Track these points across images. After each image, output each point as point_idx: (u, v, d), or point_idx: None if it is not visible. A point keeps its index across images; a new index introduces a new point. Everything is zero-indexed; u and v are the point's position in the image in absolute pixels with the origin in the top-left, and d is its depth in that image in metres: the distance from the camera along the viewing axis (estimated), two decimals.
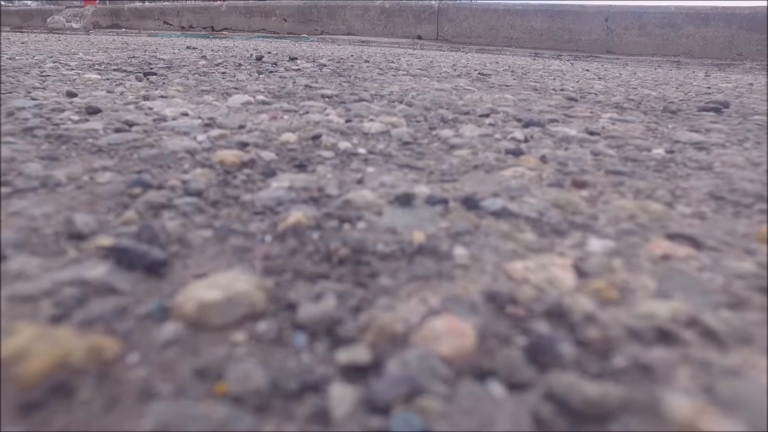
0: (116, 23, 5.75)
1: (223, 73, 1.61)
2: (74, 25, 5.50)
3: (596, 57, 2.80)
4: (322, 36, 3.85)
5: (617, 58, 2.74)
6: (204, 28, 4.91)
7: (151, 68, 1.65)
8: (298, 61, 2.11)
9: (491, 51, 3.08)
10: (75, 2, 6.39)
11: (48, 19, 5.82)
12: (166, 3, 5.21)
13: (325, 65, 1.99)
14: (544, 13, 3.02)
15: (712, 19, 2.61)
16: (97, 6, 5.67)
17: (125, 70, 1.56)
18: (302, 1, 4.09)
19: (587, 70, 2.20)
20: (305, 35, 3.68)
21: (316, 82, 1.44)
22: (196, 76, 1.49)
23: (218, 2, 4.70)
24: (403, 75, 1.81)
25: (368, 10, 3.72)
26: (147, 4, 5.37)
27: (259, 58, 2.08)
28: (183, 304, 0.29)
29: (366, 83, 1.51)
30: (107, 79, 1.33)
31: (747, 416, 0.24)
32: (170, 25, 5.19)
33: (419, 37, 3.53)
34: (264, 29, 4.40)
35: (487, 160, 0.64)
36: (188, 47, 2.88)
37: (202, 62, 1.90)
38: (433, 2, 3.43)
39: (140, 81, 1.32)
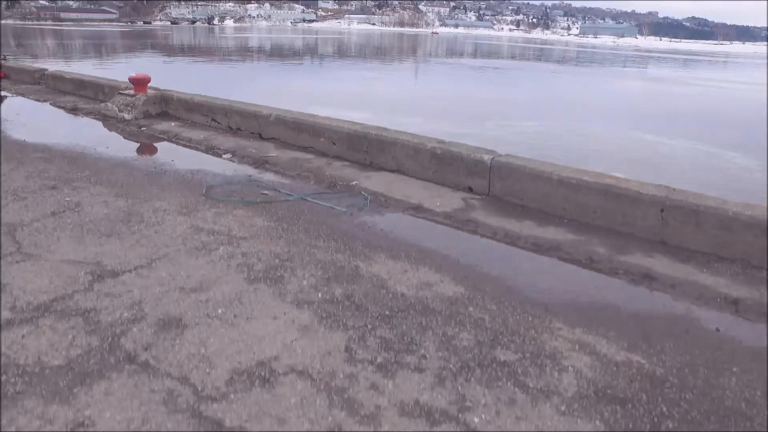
0: (165, 111, 5.90)
1: None
2: (126, 116, 5.64)
3: (649, 253, 2.81)
4: (369, 174, 3.91)
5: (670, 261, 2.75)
6: (252, 133, 5.01)
7: None
8: None
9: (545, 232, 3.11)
10: (123, 84, 6.57)
11: (101, 105, 5.98)
12: (216, 101, 5.34)
13: None
14: (598, 192, 3.05)
15: None
16: (147, 95, 5.82)
17: None
18: (352, 128, 4.18)
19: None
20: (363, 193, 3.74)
21: None
22: None
23: (266, 111, 4.82)
24: None
25: (419, 152, 3.79)
26: (196, 98, 5.51)
27: None
28: None
29: None
30: None
31: None
32: (218, 123, 5.31)
33: (470, 189, 3.57)
34: (312, 147, 4.49)
35: None
36: None
37: None
38: (485, 157, 3.48)
39: None
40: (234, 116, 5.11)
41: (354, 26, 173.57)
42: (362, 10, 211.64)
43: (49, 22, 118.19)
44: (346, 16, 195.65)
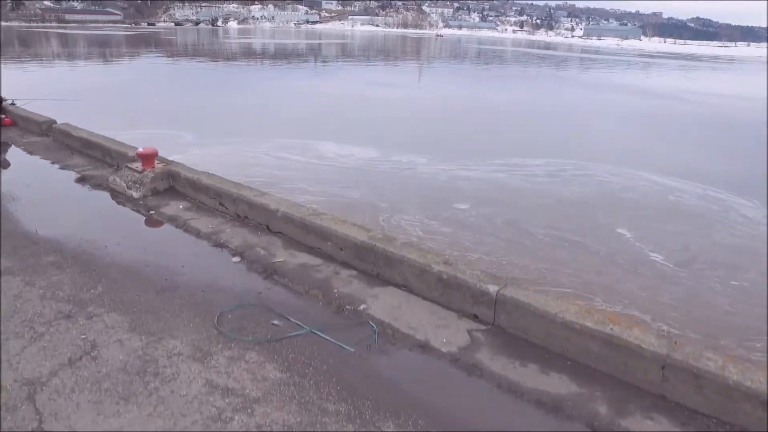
0: (173, 186, 5.98)
1: None
2: (134, 194, 5.73)
3: (649, 413, 2.89)
4: (376, 292, 3.99)
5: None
6: (259, 224, 5.10)
7: None
8: None
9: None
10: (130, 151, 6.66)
11: (110, 179, 6.07)
12: (223, 186, 5.43)
13: None
14: (600, 339, 3.12)
15: None
16: (155, 171, 5.91)
17: None
18: (359, 238, 4.25)
19: None
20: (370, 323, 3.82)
21: None
22: None
23: (274, 206, 4.90)
24: None
25: (425, 273, 3.86)
26: (203, 180, 5.59)
27: None
28: None
29: None
30: None
31: None
32: (226, 209, 5.39)
33: (475, 317, 3.65)
34: (320, 249, 4.56)
35: None
36: None
37: None
38: (491, 289, 3.56)
39: None
40: (241, 204, 5.20)
41: (357, 28, 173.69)
42: (366, 11, 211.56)
43: (53, 24, 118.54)
44: (350, 17, 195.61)
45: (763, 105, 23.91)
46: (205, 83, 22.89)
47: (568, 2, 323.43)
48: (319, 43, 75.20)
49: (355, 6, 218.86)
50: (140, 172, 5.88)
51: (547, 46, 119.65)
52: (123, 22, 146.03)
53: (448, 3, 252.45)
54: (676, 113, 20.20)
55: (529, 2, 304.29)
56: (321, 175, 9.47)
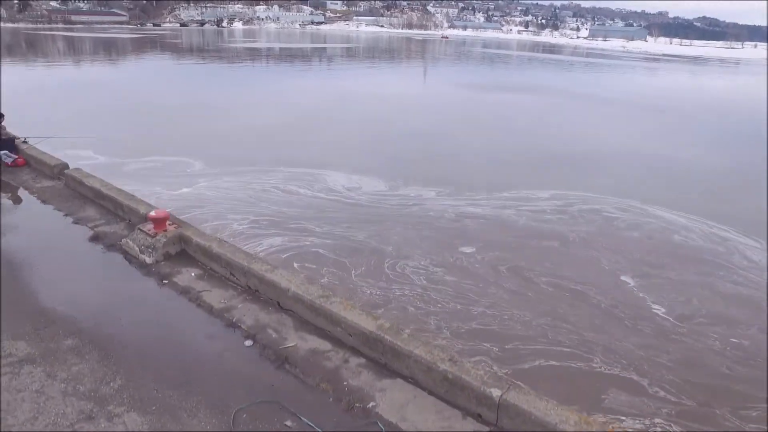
0: (184, 250, 6.13)
1: None
2: (147, 260, 5.88)
3: None
4: (384, 386, 4.13)
5: None
6: (270, 299, 5.24)
7: None
8: None
9: None
10: (142, 207, 6.82)
11: (123, 241, 6.22)
12: (234, 257, 5.57)
13: None
14: None
15: None
16: (167, 235, 6.06)
17: None
18: (368, 328, 4.39)
19: None
20: None
21: None
22: None
23: (284, 285, 5.04)
24: None
25: (431, 370, 4.00)
26: (214, 248, 5.74)
27: None
28: None
29: None
30: None
31: None
32: (237, 280, 5.54)
33: (479, 416, 3.79)
34: (329, 332, 4.71)
35: None
36: None
37: None
38: (494, 393, 3.70)
39: None
40: (252, 278, 5.35)
41: (362, 29, 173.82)
42: (370, 12, 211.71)
43: (60, 26, 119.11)
44: (355, 18, 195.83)
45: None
46: (212, 96, 23.05)
47: (574, 2, 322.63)
48: (324, 47, 75.34)
49: (360, 6, 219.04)
50: (152, 236, 6.04)
51: (552, 48, 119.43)
52: (128, 23, 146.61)
53: (452, 3, 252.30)
54: (687, 128, 20.18)
55: (534, 2, 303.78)
56: (327, 213, 9.61)
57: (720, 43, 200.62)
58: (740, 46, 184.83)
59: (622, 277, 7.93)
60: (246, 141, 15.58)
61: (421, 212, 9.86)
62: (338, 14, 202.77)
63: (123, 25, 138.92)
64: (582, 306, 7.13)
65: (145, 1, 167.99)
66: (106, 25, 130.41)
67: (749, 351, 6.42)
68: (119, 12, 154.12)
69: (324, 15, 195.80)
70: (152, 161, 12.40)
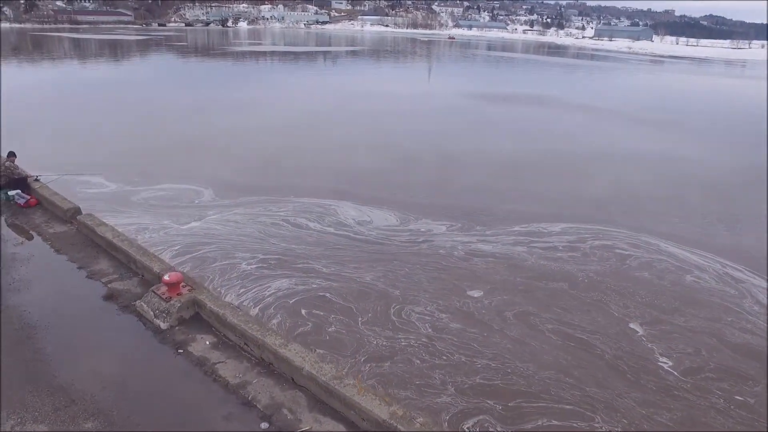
0: (198, 314, 6.18)
1: None
2: (162, 325, 5.94)
3: None
4: None
5: None
6: (283, 374, 5.29)
7: None
8: None
9: None
10: (155, 265, 6.88)
11: (137, 303, 6.28)
12: (248, 329, 5.61)
13: None
14: None
15: None
16: (181, 300, 6.12)
17: None
18: (380, 416, 4.43)
19: None
20: None
21: None
22: None
23: (299, 363, 5.08)
24: None
25: None
26: (228, 317, 5.77)
27: None
28: None
29: None
30: None
31: None
32: (251, 351, 5.59)
33: None
34: (343, 414, 4.75)
35: None
36: None
37: None
38: None
39: None
40: (267, 352, 5.39)
41: (367, 28, 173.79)
42: (375, 11, 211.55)
43: (66, 26, 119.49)
44: (360, 17, 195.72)
45: None
46: (225, 113, 23.08)
47: (579, 1, 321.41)
48: (329, 51, 75.24)
49: (365, 5, 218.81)
50: (166, 301, 6.09)
51: (557, 50, 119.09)
52: (134, 23, 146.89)
53: (457, 2, 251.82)
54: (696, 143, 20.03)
55: (540, 0, 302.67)
56: (336, 251, 9.64)
57: (727, 43, 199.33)
58: (747, 46, 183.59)
59: (631, 325, 7.94)
60: (256, 160, 15.65)
61: (431, 250, 9.87)
62: (343, 13, 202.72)
63: (128, 25, 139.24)
64: (587, 357, 7.14)
65: (150, 1, 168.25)
66: (111, 26, 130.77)
67: (754, 410, 6.40)
68: (125, 12, 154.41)
69: (329, 14, 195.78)
70: (162, 189, 12.47)
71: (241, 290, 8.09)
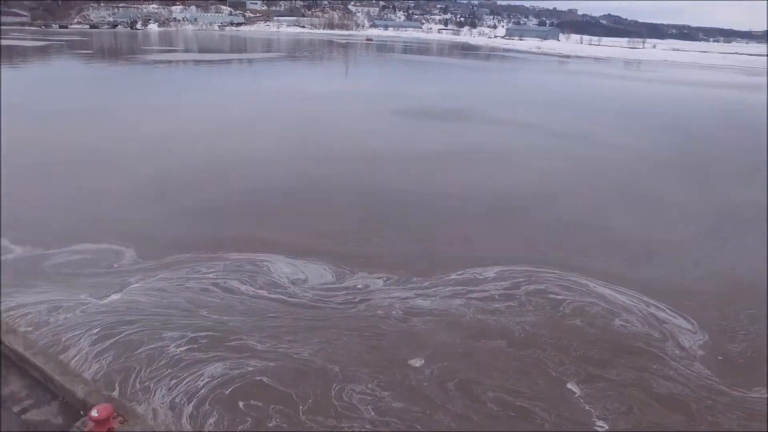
0: None
1: None
2: None
3: None
4: None
5: None
6: None
7: None
8: None
9: None
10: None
11: None
12: None
13: None
14: None
15: None
16: None
17: None
18: None
19: None
20: None
21: None
22: None
23: None
24: None
25: None
26: None
27: None
28: None
29: None
30: None
31: None
32: None
33: None
34: None
35: None
36: None
37: None
38: None
39: None
40: None
41: (283, 29, 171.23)
42: (291, 11, 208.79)
43: None
44: (275, 18, 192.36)
45: None
46: (136, 144, 21.79)
47: (490, 0, 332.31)
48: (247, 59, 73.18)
49: (281, 5, 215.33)
50: None
51: (471, 51, 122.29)
52: (31, 24, 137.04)
53: (373, 1, 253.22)
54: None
55: (453, 0, 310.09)
56: (270, 321, 9.20)
57: (624, 41, 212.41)
58: (642, 45, 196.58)
59: (568, 385, 8.17)
60: (178, 200, 14.87)
61: (368, 311, 9.70)
62: (258, 14, 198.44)
63: (25, 27, 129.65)
64: (529, 428, 7.30)
65: (49, 1, 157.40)
66: (6, 27, 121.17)
67: None
68: (20, 12, 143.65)
69: (244, 15, 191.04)
70: (77, 252, 11.55)
71: (172, 382, 7.62)
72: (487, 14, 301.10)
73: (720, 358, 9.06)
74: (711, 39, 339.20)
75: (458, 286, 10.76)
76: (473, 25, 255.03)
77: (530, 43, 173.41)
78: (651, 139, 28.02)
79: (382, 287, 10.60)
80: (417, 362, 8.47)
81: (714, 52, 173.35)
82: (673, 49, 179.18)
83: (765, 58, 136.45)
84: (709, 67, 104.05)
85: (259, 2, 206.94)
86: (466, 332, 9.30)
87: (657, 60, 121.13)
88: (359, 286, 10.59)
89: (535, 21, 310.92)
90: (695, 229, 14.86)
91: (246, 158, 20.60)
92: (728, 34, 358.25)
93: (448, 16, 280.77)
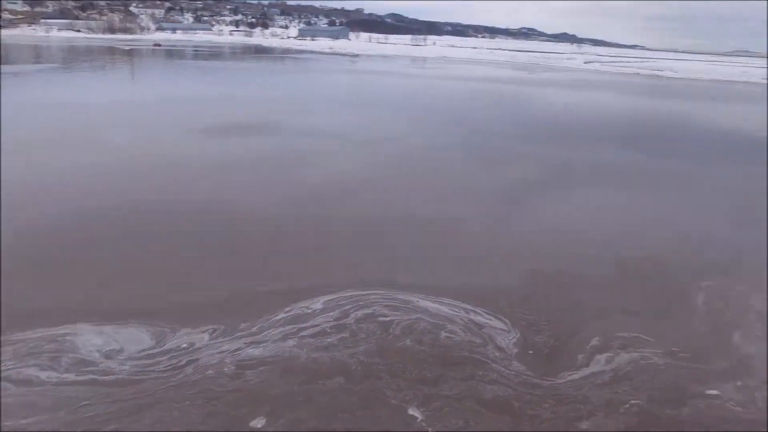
0: None
1: None
2: None
3: None
4: None
5: None
6: None
7: None
8: None
9: None
10: None
11: None
12: None
13: None
14: None
15: None
16: None
17: None
18: None
19: None
20: None
21: None
22: None
23: None
24: None
25: None
26: None
27: None
28: None
29: None
30: None
31: None
32: None
33: None
34: None
35: None
36: None
37: None
38: None
39: None
40: None
41: (54, 34, 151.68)
42: (62, 14, 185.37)
43: None
44: (42, 20, 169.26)
45: None
46: None
47: (280, 0, 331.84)
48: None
49: (48, 6, 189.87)
50: None
51: (265, 53, 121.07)
52: None
53: (158, 3, 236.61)
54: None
55: (243, 1, 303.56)
56: (84, 411, 7.84)
57: (408, 38, 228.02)
58: (423, 42, 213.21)
59: (410, 411, 8.40)
60: None
61: (198, 374, 8.88)
62: (20, 16, 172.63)
63: None
64: None
65: None
66: None
67: None
68: None
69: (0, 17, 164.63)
70: None
71: None
72: (278, 14, 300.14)
73: (531, 352, 10.01)
74: (479, 35, 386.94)
75: (288, 326, 10.44)
76: (265, 26, 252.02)
77: (323, 43, 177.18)
78: (445, 133, 30.24)
79: (209, 342, 9.86)
80: (259, 422, 8.05)
81: (483, 48, 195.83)
82: (450, 46, 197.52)
83: (525, 53, 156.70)
84: (484, 63, 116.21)
85: (19, 2, 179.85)
86: (302, 376, 9.05)
87: (438, 57, 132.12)
88: (183, 345, 9.72)
89: (325, 21, 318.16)
90: (486, 217, 16.26)
91: None
92: (492, 31, 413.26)
93: (239, 17, 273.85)
